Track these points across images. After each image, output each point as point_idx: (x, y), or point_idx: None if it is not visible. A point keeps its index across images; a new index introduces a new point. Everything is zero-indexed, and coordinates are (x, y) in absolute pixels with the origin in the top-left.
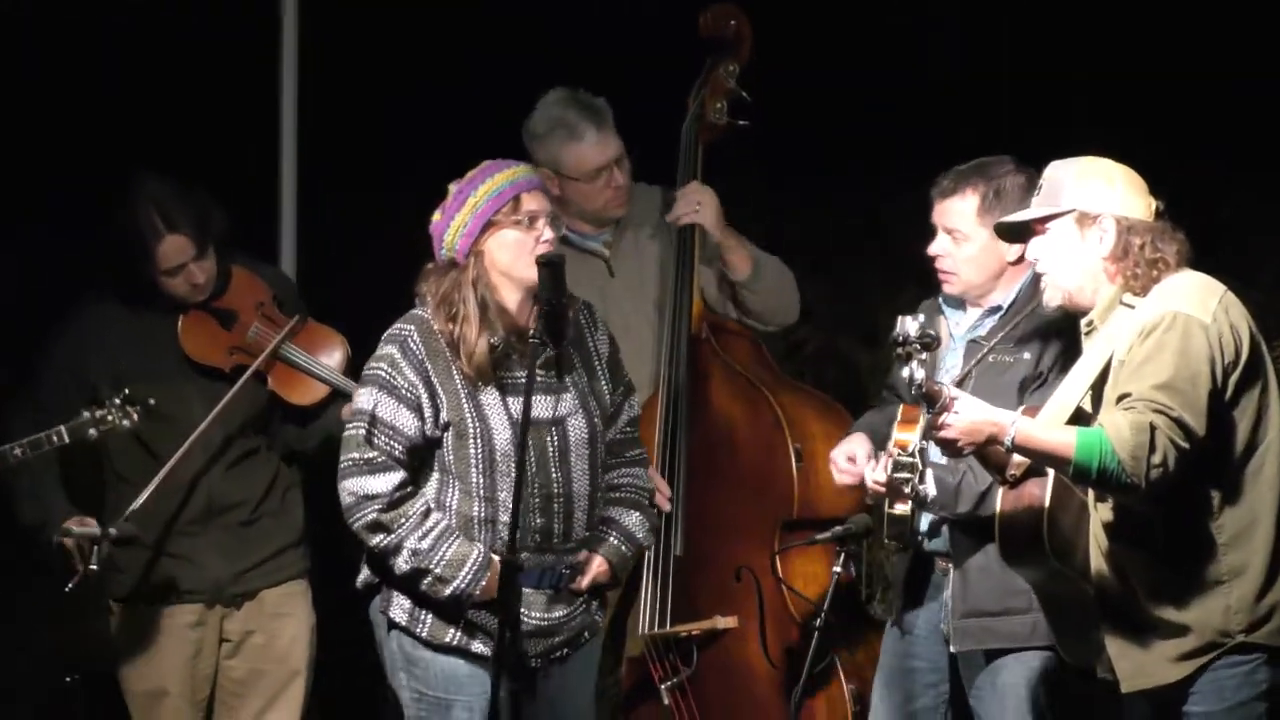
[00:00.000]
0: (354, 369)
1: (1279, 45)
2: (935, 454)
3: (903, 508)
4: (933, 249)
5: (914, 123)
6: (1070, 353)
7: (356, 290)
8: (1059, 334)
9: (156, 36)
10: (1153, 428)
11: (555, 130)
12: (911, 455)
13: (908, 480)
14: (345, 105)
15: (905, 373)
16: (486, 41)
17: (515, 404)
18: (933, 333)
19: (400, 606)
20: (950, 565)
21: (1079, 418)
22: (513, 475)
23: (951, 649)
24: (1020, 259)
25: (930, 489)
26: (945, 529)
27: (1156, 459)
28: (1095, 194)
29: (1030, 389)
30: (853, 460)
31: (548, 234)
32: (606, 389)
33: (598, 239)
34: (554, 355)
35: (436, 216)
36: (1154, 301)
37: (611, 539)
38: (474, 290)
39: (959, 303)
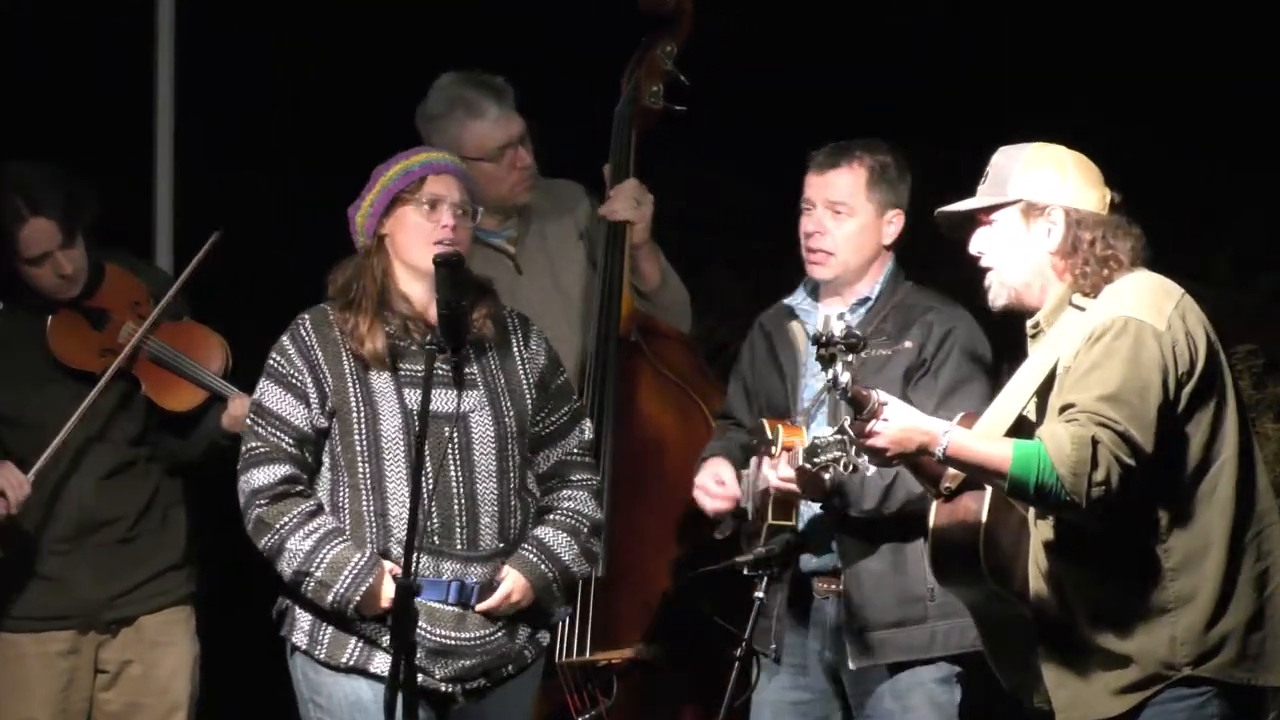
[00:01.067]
0: (241, 374)
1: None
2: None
3: (784, 521)
4: (808, 225)
5: (843, 120)
6: (957, 341)
7: (241, 289)
8: (942, 321)
9: (27, 25)
10: (1095, 442)
11: (454, 109)
12: (839, 433)
13: (839, 458)
14: (226, 91)
15: (829, 375)
16: (382, 19)
17: (411, 395)
18: (859, 333)
19: (301, 629)
20: (832, 587)
21: (1021, 428)
22: (401, 465)
23: (850, 666)
24: (893, 244)
25: (867, 464)
26: (833, 543)
27: (1099, 476)
28: (1044, 183)
29: (915, 379)
30: (722, 483)
31: (448, 220)
32: (529, 396)
33: (501, 234)
34: (461, 365)
35: (357, 200)
36: (1104, 304)
37: (529, 554)
38: (373, 277)
39: (815, 300)
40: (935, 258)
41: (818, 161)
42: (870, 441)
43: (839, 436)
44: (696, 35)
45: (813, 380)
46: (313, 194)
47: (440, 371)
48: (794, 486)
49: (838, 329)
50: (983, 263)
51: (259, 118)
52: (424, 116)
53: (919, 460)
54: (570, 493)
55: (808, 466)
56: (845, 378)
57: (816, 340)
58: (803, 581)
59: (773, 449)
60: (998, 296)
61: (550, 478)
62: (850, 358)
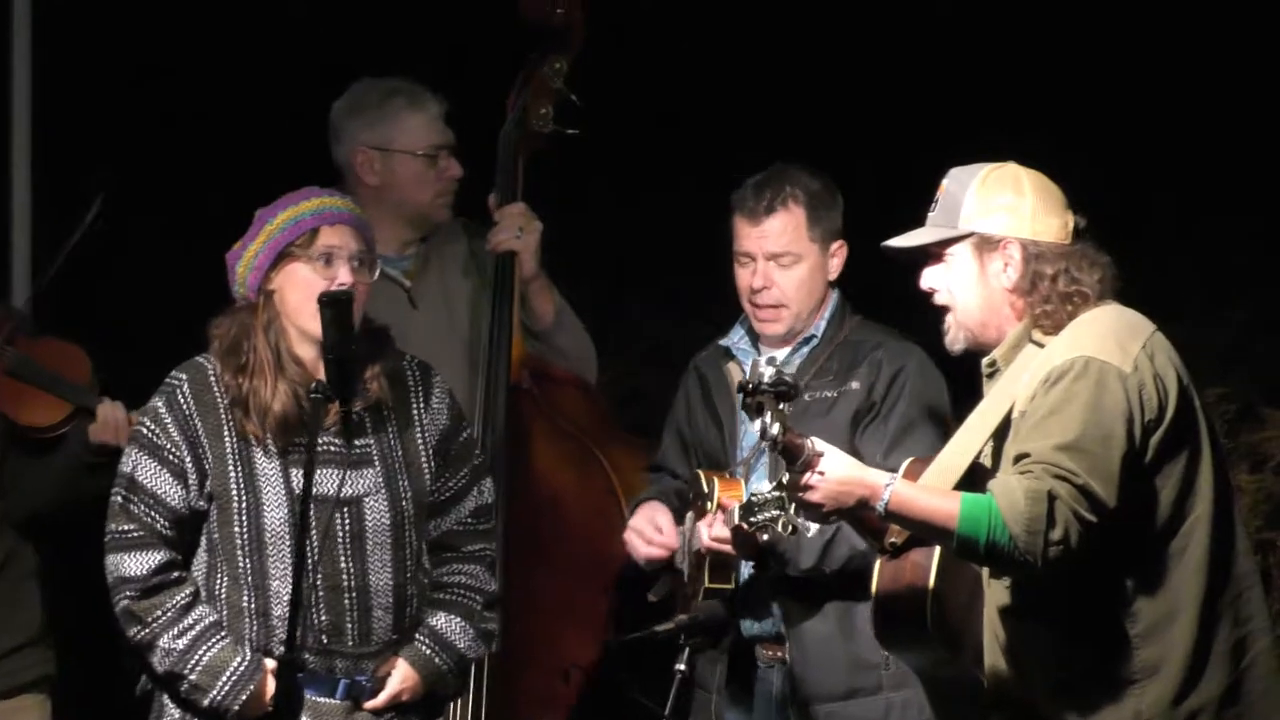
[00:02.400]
0: (110, 391)
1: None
2: None
3: (722, 584)
4: (752, 281)
5: (767, 128)
6: (908, 380)
7: (105, 322)
8: (892, 359)
9: None
10: (1052, 497)
11: (392, 98)
12: (777, 490)
13: (776, 518)
14: (90, 101)
15: (757, 426)
16: (248, 21)
17: (299, 477)
18: (790, 379)
19: (171, 717)
20: (777, 654)
21: (975, 477)
22: (286, 560)
23: None
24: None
25: (808, 525)
26: (774, 606)
27: (1056, 534)
28: (998, 213)
29: (864, 423)
30: (659, 530)
31: (344, 276)
32: (428, 468)
33: (399, 263)
34: (348, 418)
35: (237, 246)
36: (1064, 342)
37: (421, 645)
38: (265, 336)
39: (754, 341)
40: (882, 279)
41: (748, 208)
42: (805, 496)
43: (777, 493)
44: (592, 47)
45: (752, 429)
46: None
47: (335, 444)
48: (728, 548)
49: (766, 375)
50: (935, 300)
51: (121, 122)
52: (349, 109)
53: (860, 514)
54: (463, 566)
55: (743, 526)
56: (775, 428)
57: (743, 388)
58: (746, 649)
59: (707, 504)
60: (954, 340)
61: (440, 547)
62: (781, 405)
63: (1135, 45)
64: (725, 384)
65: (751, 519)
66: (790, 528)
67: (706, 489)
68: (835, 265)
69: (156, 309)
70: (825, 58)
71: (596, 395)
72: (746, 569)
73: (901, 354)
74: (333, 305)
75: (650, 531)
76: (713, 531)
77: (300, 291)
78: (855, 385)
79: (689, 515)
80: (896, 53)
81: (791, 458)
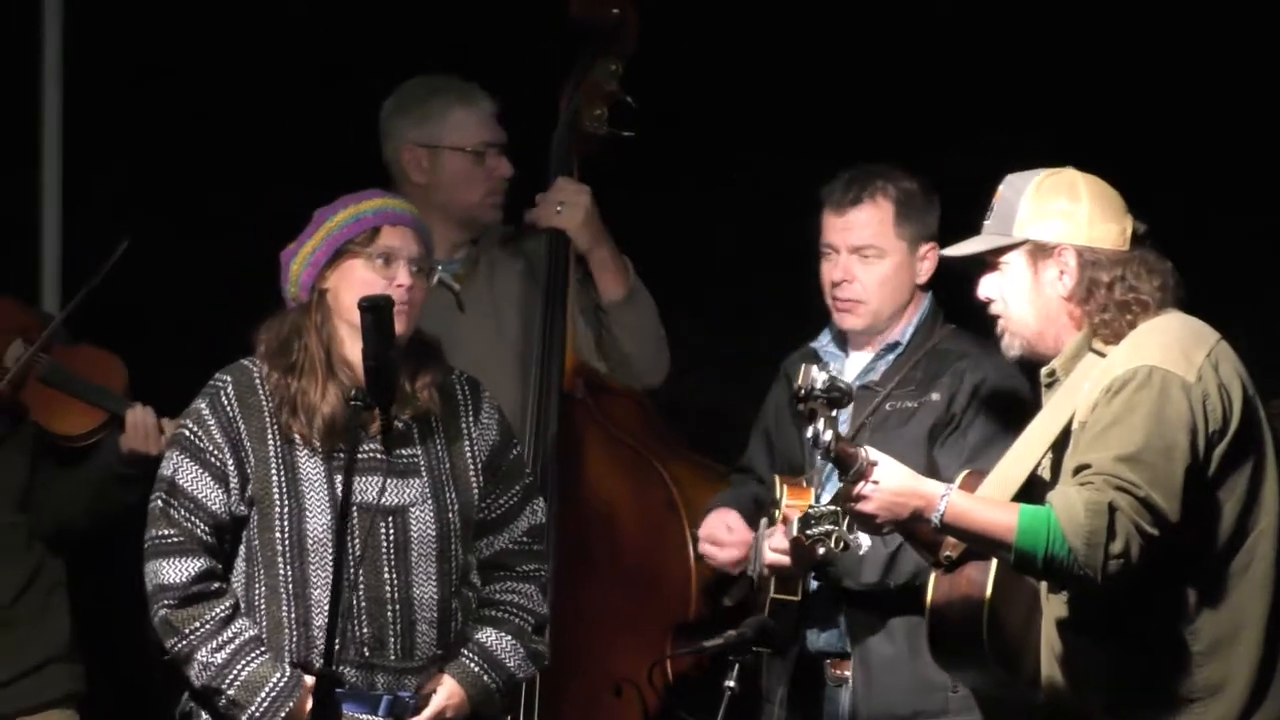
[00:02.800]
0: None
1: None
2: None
3: (788, 596)
4: (833, 273)
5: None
6: (989, 393)
7: (137, 332)
8: (974, 370)
9: None
10: (1113, 509)
11: (443, 94)
12: (831, 504)
13: (830, 532)
14: (123, 107)
15: (810, 433)
16: (290, 25)
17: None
18: (844, 384)
19: None
20: (844, 672)
21: (1033, 490)
22: (329, 569)
23: None
24: (927, 283)
25: (864, 538)
26: (841, 620)
27: (1116, 548)
28: (1053, 219)
29: (943, 437)
30: (731, 530)
31: (403, 278)
32: (476, 482)
33: (449, 266)
34: (390, 426)
35: (292, 244)
36: (1126, 351)
37: (468, 661)
38: (317, 336)
39: (841, 344)
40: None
41: (835, 200)
42: (858, 506)
43: (833, 507)
44: (646, 47)
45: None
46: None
47: (378, 452)
48: (787, 560)
49: (819, 380)
50: (991, 310)
51: (152, 124)
52: (397, 106)
53: (914, 526)
54: (515, 585)
55: (801, 539)
56: (827, 435)
57: (794, 395)
58: (812, 664)
59: (775, 512)
60: (1010, 346)
61: (493, 566)
62: (835, 412)
63: (1138, 43)
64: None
65: (808, 532)
66: (842, 544)
67: (778, 496)
68: (925, 269)
69: (186, 314)
70: (830, 57)
71: (649, 406)
72: (815, 580)
73: (985, 366)
74: (373, 311)
75: (723, 533)
76: (773, 542)
77: (356, 290)
78: (936, 396)
79: (763, 521)
80: (896, 51)
81: (844, 467)
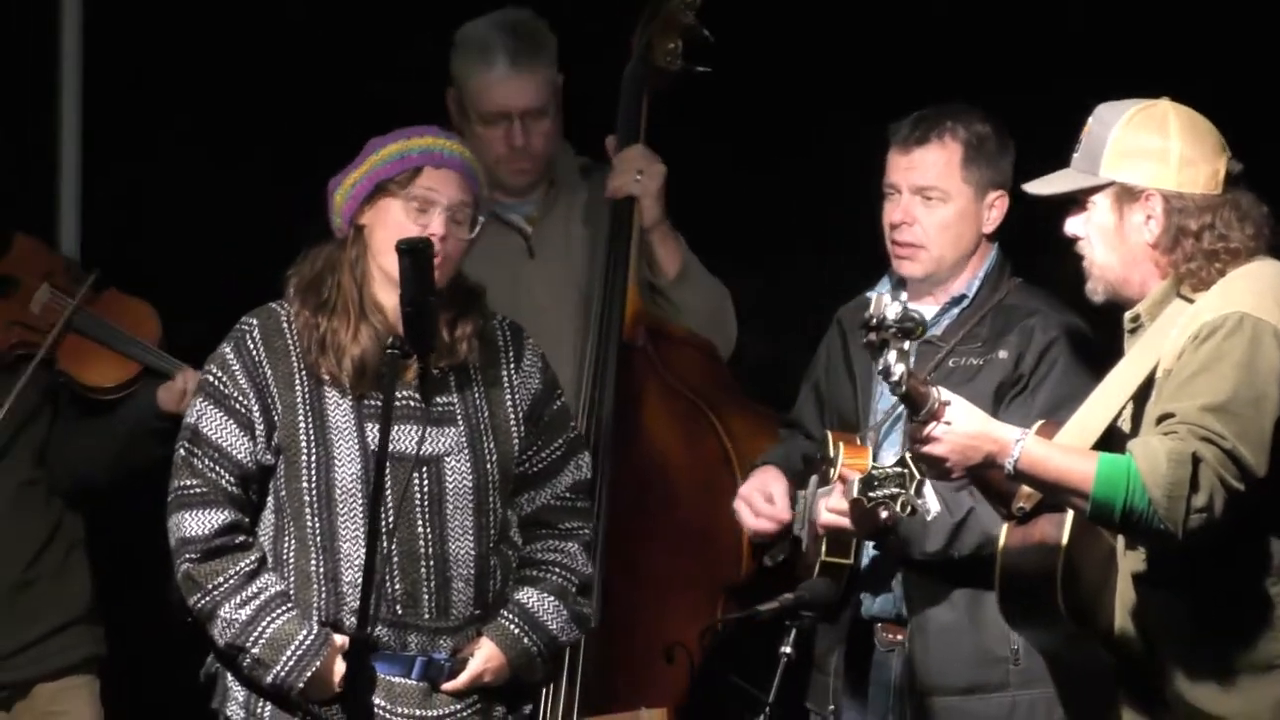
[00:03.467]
0: (172, 351)
1: None
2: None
3: (840, 559)
4: (894, 214)
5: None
6: (1061, 353)
7: (159, 279)
8: (1045, 328)
9: None
10: (1196, 460)
11: (469, 47)
12: (899, 465)
13: (896, 495)
14: (142, 49)
15: (881, 366)
16: None
17: (375, 432)
18: (918, 315)
19: (235, 700)
20: (899, 636)
21: (1112, 440)
22: (358, 521)
23: None
24: (995, 233)
25: (932, 503)
26: (897, 584)
27: (1199, 501)
28: (1140, 160)
29: (1009, 396)
30: (770, 500)
31: (437, 227)
32: (517, 432)
33: (520, 209)
34: (427, 374)
35: (340, 173)
36: (1217, 297)
37: (507, 623)
38: (351, 274)
39: (901, 294)
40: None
41: (900, 137)
42: (928, 449)
43: (900, 469)
44: None
45: (886, 396)
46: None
47: (413, 399)
48: (845, 522)
49: (891, 311)
50: (1077, 248)
51: (171, 87)
52: (454, 43)
53: (986, 474)
54: (558, 544)
55: (863, 501)
56: (899, 369)
57: (865, 324)
58: (864, 630)
59: (830, 471)
60: (1094, 290)
61: (535, 524)
62: (906, 345)
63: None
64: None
65: (870, 494)
66: (910, 508)
67: (832, 453)
68: (993, 218)
69: (207, 260)
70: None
71: (719, 360)
72: (869, 546)
73: (1056, 324)
74: (411, 254)
75: (760, 502)
76: (830, 502)
77: (389, 232)
78: (1004, 354)
79: (813, 479)
80: (895, 46)
81: (915, 406)
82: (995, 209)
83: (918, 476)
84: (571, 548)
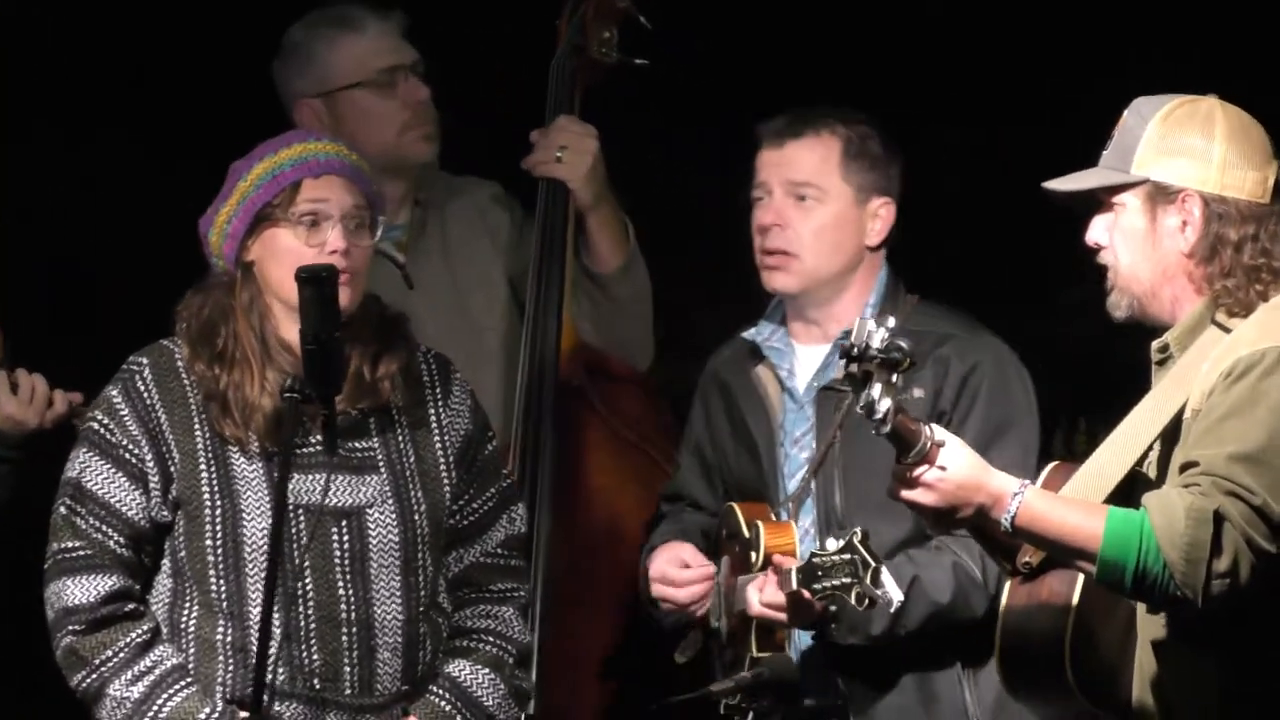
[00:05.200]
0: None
1: None
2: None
3: (770, 653)
4: (765, 217)
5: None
6: (985, 381)
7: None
8: (961, 355)
9: None
10: (1220, 518)
11: (318, 29)
12: (847, 550)
13: (848, 587)
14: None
15: (864, 402)
16: None
17: (291, 480)
18: (905, 344)
19: None
20: None
21: (1135, 490)
22: (272, 583)
23: None
24: (881, 244)
25: (893, 591)
26: (838, 677)
27: (1222, 565)
28: (1180, 158)
29: None
30: (687, 565)
31: (336, 241)
32: (447, 479)
33: (391, 232)
34: (331, 421)
35: (210, 208)
36: (1254, 327)
37: (438, 700)
38: (246, 319)
39: (786, 335)
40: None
41: (774, 131)
42: (916, 496)
43: (848, 555)
44: None
45: (797, 451)
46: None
47: (319, 451)
48: (782, 617)
49: (876, 337)
50: (1100, 258)
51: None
52: (279, 60)
53: (984, 525)
54: (491, 609)
55: (802, 593)
56: (885, 405)
57: (846, 353)
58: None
59: (751, 555)
60: (1116, 304)
61: (464, 585)
62: (894, 378)
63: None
64: (757, 393)
65: (816, 586)
66: (867, 600)
67: (748, 533)
68: (878, 229)
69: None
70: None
71: (656, 395)
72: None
73: (974, 349)
74: (313, 282)
75: (676, 570)
76: (764, 596)
77: (283, 262)
78: (919, 393)
79: (724, 561)
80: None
81: (904, 446)
82: (880, 219)
83: (872, 563)
84: (506, 613)
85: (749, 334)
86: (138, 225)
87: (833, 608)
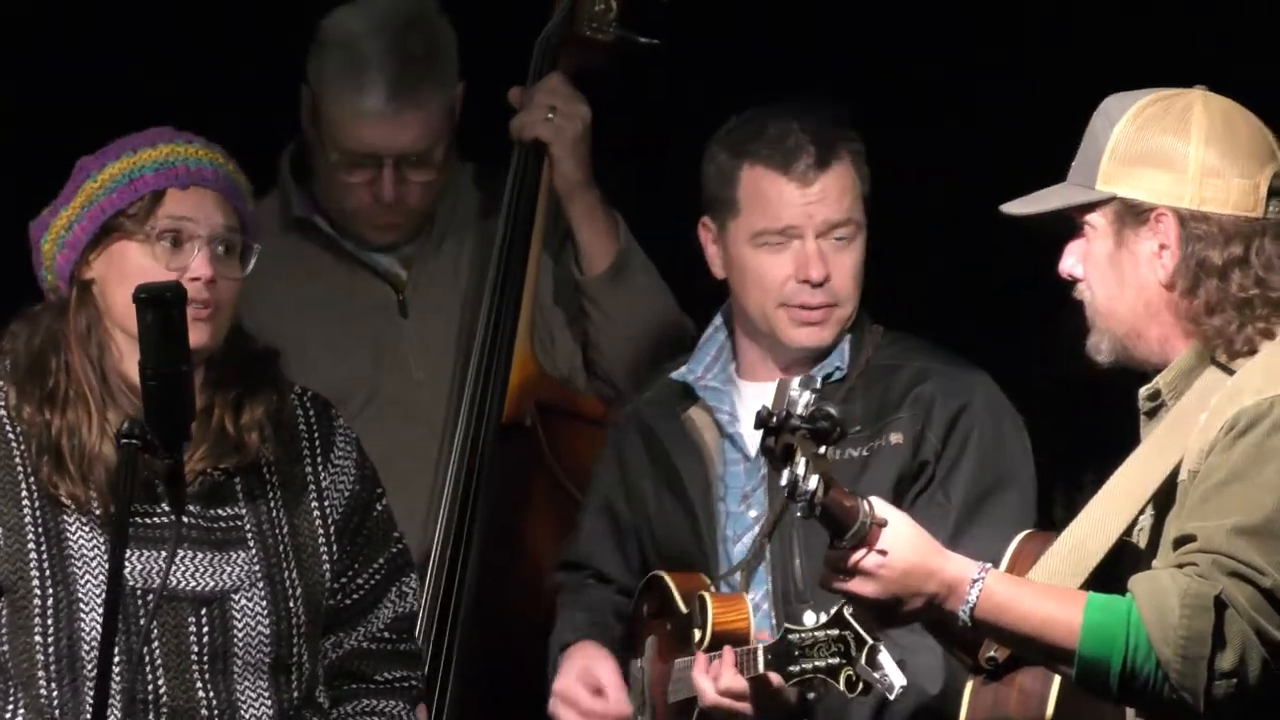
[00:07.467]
0: None
1: None
2: None
3: None
4: (814, 271)
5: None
6: (975, 426)
7: None
8: (945, 394)
9: None
10: (1221, 605)
11: (335, 53)
12: (834, 624)
13: (836, 669)
14: None
15: (787, 479)
16: None
17: (136, 560)
18: (833, 411)
19: None
20: None
21: (1123, 564)
22: (115, 685)
23: None
24: None
25: (894, 674)
26: None
27: (1226, 662)
28: (1148, 168)
29: (911, 494)
30: (601, 692)
31: (202, 268)
32: (327, 553)
33: (390, 253)
34: (176, 476)
35: (46, 211)
36: (1260, 371)
37: None
38: (82, 350)
39: (720, 374)
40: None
41: (795, 165)
42: (854, 586)
43: (836, 631)
44: None
45: (743, 509)
46: None
47: (165, 517)
48: (745, 707)
49: (800, 401)
50: (1076, 293)
51: None
52: (321, 41)
53: (941, 616)
54: (376, 703)
55: (771, 679)
56: (812, 483)
57: (765, 423)
58: None
59: (695, 633)
60: (1096, 346)
61: (344, 676)
62: (822, 450)
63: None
64: (690, 441)
65: (792, 668)
66: (861, 684)
67: (685, 607)
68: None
69: None
70: None
71: None
72: None
73: (959, 387)
74: (154, 304)
75: (587, 699)
76: (721, 683)
77: (131, 285)
78: (895, 438)
79: (649, 641)
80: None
81: (838, 528)
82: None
83: (868, 640)
84: (395, 708)
85: (678, 374)
86: None
87: (811, 695)
